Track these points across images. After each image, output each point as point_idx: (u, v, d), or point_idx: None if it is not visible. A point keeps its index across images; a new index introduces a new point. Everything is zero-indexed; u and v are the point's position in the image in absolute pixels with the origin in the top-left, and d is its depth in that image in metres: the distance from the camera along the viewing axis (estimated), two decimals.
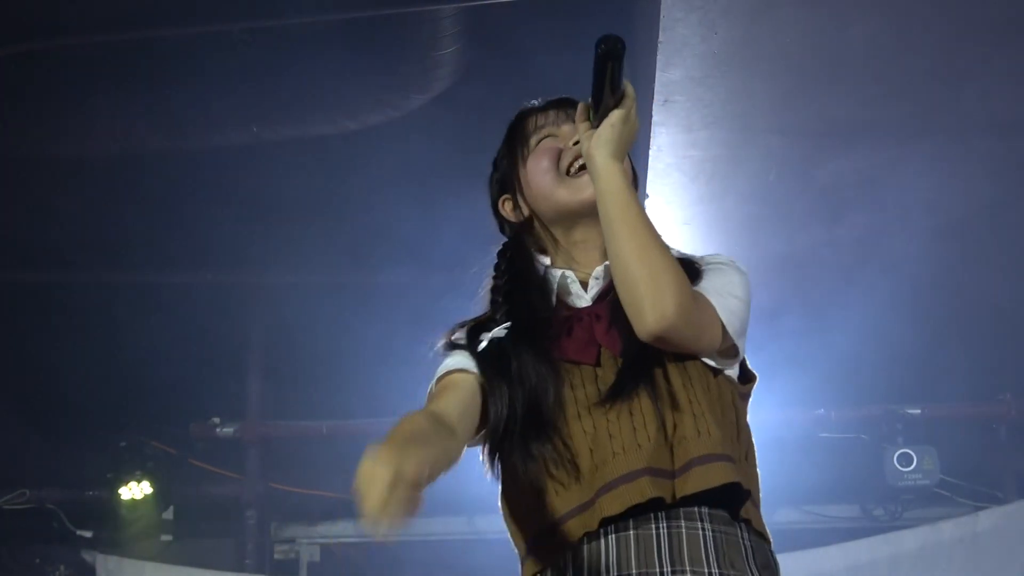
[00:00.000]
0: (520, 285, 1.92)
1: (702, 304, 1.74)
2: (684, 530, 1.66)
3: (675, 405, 1.70)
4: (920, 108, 4.27)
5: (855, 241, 4.94)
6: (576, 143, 1.86)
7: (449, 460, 1.64)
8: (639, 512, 1.65)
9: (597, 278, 1.88)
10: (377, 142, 4.88)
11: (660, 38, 3.78)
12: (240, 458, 6.40)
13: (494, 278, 1.99)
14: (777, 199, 4.64)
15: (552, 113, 1.95)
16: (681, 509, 1.66)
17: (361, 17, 4.38)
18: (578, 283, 1.89)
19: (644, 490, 1.65)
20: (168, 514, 6.37)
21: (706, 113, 4.16)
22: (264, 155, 4.95)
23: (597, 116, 1.78)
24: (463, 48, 4.52)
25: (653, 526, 1.66)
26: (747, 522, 1.70)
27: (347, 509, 6.63)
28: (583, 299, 1.88)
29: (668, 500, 1.65)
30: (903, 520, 6.13)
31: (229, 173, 5.05)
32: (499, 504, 1.84)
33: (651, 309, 1.67)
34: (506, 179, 1.99)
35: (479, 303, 2.00)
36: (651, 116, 4.11)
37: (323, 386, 5.93)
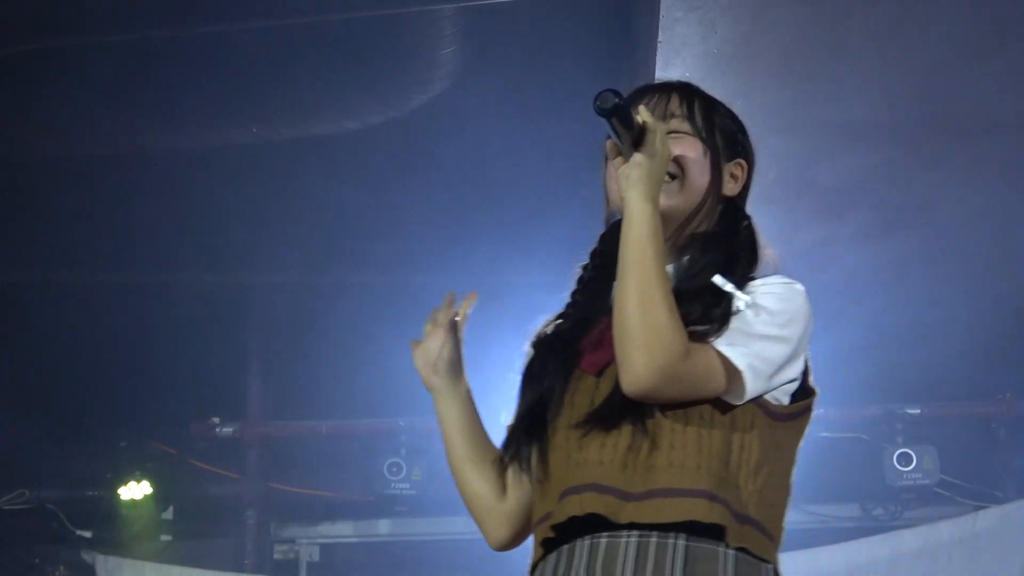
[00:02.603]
0: (601, 278, 1.88)
1: (700, 360, 1.68)
2: (653, 542, 1.64)
3: (654, 432, 1.68)
4: (921, 108, 4.27)
5: (855, 241, 4.94)
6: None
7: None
8: (592, 526, 1.65)
9: None
10: (377, 142, 4.88)
11: (660, 38, 3.78)
12: (240, 458, 6.40)
13: (583, 265, 1.95)
14: (777, 199, 4.63)
15: (645, 104, 1.86)
16: (655, 531, 1.64)
17: (361, 17, 4.38)
18: None
19: (585, 503, 1.65)
20: (168, 514, 6.37)
21: None
22: (264, 155, 4.95)
23: (627, 154, 1.75)
24: (463, 48, 4.52)
25: (624, 538, 1.65)
26: (740, 549, 1.66)
27: (347, 509, 6.64)
28: None
29: (612, 519, 1.64)
30: (903, 520, 6.13)
31: (229, 173, 5.05)
32: None
33: (629, 369, 1.64)
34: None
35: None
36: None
37: (323, 386, 5.93)
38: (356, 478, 6.44)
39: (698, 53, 3.89)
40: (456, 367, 1.96)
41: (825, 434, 6.03)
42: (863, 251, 5.02)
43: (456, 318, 1.98)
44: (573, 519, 1.66)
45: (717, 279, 1.78)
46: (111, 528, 6.22)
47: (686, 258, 1.83)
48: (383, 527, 6.61)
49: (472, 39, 4.50)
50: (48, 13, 4.31)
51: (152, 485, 6.14)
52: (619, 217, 1.81)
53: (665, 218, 1.77)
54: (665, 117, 1.87)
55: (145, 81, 4.60)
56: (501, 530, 1.90)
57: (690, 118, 1.90)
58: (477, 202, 4.99)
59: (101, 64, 4.52)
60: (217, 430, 6.29)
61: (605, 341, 1.74)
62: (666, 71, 3.94)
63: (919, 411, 6.06)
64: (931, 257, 5.00)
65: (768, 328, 1.75)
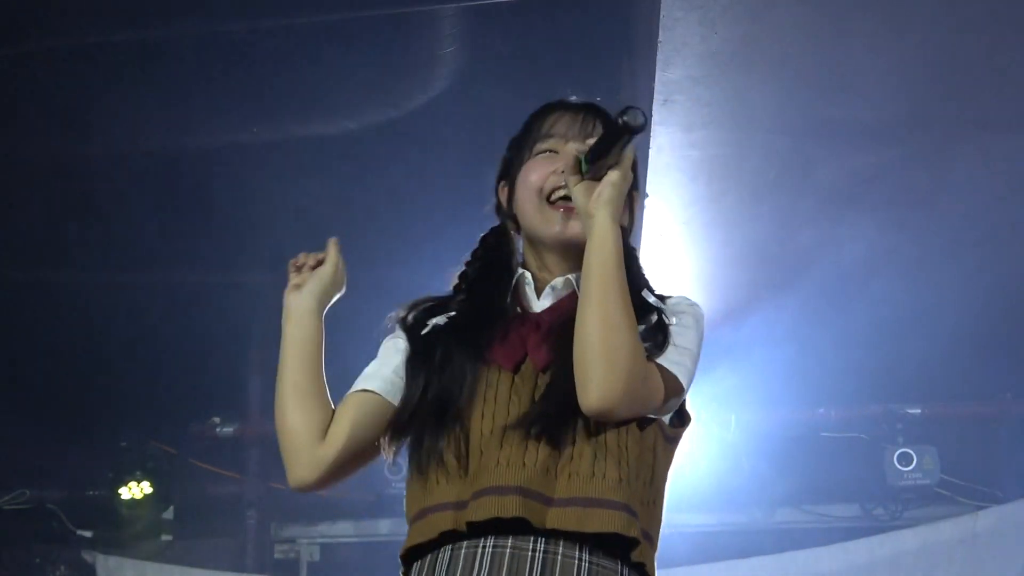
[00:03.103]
0: (488, 277, 1.94)
1: (651, 379, 1.73)
2: (560, 557, 1.66)
3: (578, 440, 1.71)
4: (920, 108, 4.27)
5: (855, 241, 4.94)
6: (562, 171, 1.85)
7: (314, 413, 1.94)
8: (508, 528, 1.66)
9: (554, 288, 1.89)
10: (377, 142, 4.88)
11: (660, 38, 3.78)
12: (240, 458, 6.40)
13: (467, 262, 2.02)
14: (777, 199, 4.64)
15: (567, 121, 1.93)
16: (562, 539, 1.66)
17: (361, 17, 4.38)
18: (533, 287, 1.91)
19: (509, 507, 1.66)
20: (168, 514, 6.36)
21: (706, 113, 4.16)
22: (264, 155, 4.95)
23: (591, 170, 1.76)
24: (463, 48, 4.52)
25: (530, 547, 1.66)
26: (638, 566, 1.70)
27: (347, 509, 6.64)
28: (534, 304, 1.90)
29: (536, 524, 1.65)
30: (903, 520, 6.13)
31: (229, 173, 5.05)
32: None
33: (596, 389, 1.66)
34: (508, 167, 2.01)
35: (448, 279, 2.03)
36: (651, 116, 4.11)
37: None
38: (356, 478, 6.38)
39: (698, 53, 3.89)
40: (322, 299, 2.05)
41: (825, 434, 6.03)
42: (863, 251, 5.02)
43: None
44: (496, 520, 1.66)
45: (647, 296, 1.84)
46: (111, 528, 6.22)
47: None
48: (383, 527, 6.61)
49: (472, 39, 4.50)
50: (48, 13, 4.31)
51: (152, 485, 6.14)
52: (503, 227, 1.98)
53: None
54: (587, 138, 1.89)
55: (145, 81, 4.60)
56: (308, 472, 1.92)
57: None
58: (477, 202, 4.98)
59: (101, 64, 4.52)
60: (217, 430, 6.29)
61: (511, 338, 1.80)
62: (666, 71, 3.94)
63: (919, 411, 6.05)
64: (931, 257, 4.99)
65: (692, 346, 1.82)
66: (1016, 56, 4.02)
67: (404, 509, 1.84)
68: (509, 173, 2.00)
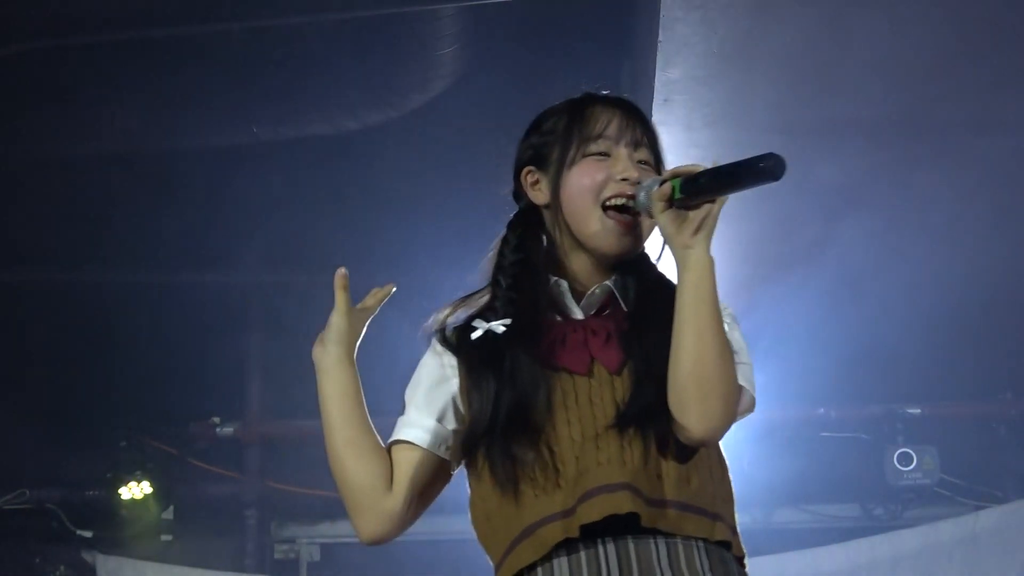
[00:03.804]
0: (528, 274, 1.89)
1: (739, 402, 1.78)
2: (680, 544, 1.69)
3: (664, 441, 1.73)
4: (920, 108, 4.27)
5: (855, 241, 4.94)
6: (624, 179, 1.84)
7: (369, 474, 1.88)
8: (618, 528, 1.67)
9: (595, 295, 1.87)
10: (377, 142, 4.88)
11: (660, 37, 3.77)
12: (240, 458, 6.40)
13: (500, 255, 1.95)
14: (777, 199, 4.63)
15: (618, 124, 1.89)
16: (679, 536, 1.69)
17: (361, 17, 4.38)
18: (570, 295, 1.88)
19: (623, 503, 1.66)
20: (168, 514, 6.36)
21: (706, 112, 4.16)
22: (264, 155, 4.95)
23: (683, 200, 1.73)
24: (463, 48, 4.52)
25: (651, 539, 1.68)
26: (740, 560, 1.77)
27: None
28: (575, 311, 1.87)
29: (644, 522, 1.67)
30: (903, 520, 6.13)
31: (229, 173, 5.05)
32: (469, 506, 1.84)
33: (698, 420, 1.70)
34: (543, 157, 1.93)
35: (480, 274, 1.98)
36: (651, 116, 4.10)
37: None
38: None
39: (698, 53, 3.89)
40: (352, 349, 1.97)
41: (825, 434, 6.03)
42: (863, 251, 5.02)
43: (374, 308, 2.03)
44: (611, 519, 1.66)
45: None
46: (111, 528, 6.22)
47: (631, 278, 1.88)
48: None
49: (472, 39, 4.50)
50: (48, 13, 4.31)
51: (152, 485, 6.13)
52: (526, 215, 1.92)
53: (634, 251, 1.86)
54: (636, 145, 1.88)
55: (145, 81, 4.60)
56: (380, 526, 1.88)
57: (652, 150, 1.91)
58: (477, 202, 4.98)
59: (101, 64, 4.52)
60: (217, 430, 6.29)
61: (570, 344, 1.79)
62: (666, 71, 3.94)
63: (919, 411, 6.06)
64: (931, 257, 4.99)
65: (746, 355, 1.85)
66: (1015, 56, 4.02)
67: (478, 529, 1.81)
68: (543, 162, 1.93)
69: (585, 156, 1.88)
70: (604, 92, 1.97)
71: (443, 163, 4.95)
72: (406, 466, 1.87)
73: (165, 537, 6.42)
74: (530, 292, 1.87)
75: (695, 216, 1.73)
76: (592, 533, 1.67)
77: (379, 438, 1.91)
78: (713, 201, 1.73)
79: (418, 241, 5.27)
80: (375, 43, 4.48)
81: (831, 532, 6.13)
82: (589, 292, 1.87)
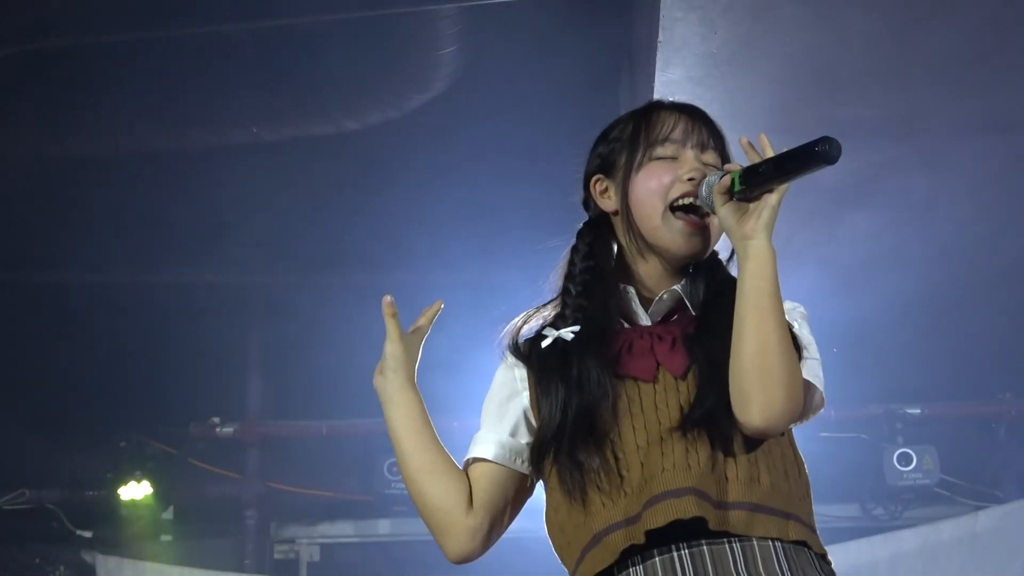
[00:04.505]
0: (597, 282, 1.89)
1: (803, 395, 1.76)
2: (756, 545, 1.68)
3: (732, 444, 1.72)
4: (920, 108, 4.27)
5: (855, 241, 4.94)
6: (690, 179, 1.84)
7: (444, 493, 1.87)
8: (687, 533, 1.66)
9: (663, 300, 1.87)
10: (377, 142, 4.88)
11: (660, 38, 3.77)
12: (240, 458, 6.40)
13: (571, 262, 1.94)
14: None
15: (683, 127, 1.90)
16: (754, 538, 1.68)
17: (361, 17, 4.38)
18: (637, 301, 1.88)
19: (689, 507, 1.66)
20: (168, 514, 6.37)
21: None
22: (264, 155, 4.95)
23: (743, 191, 1.74)
24: (463, 48, 4.52)
25: (725, 541, 1.67)
26: (820, 555, 1.74)
27: (347, 509, 6.64)
28: (642, 318, 1.87)
29: (712, 526, 1.66)
30: (903, 520, 6.13)
31: (229, 172, 5.05)
32: (544, 519, 1.84)
33: (759, 410, 1.69)
34: (611, 164, 1.93)
35: (548, 284, 1.97)
36: None
37: (323, 386, 5.93)
38: (356, 478, 6.43)
39: (698, 53, 3.89)
40: (411, 373, 1.95)
41: (825, 434, 6.03)
42: (863, 251, 5.02)
43: (427, 328, 1.99)
44: (677, 523, 1.66)
45: None
46: (111, 528, 6.22)
47: (700, 282, 1.87)
48: (383, 527, 6.61)
49: (472, 39, 4.50)
50: (48, 13, 4.31)
51: (152, 485, 6.13)
52: (597, 222, 1.92)
53: (704, 252, 1.86)
54: (703, 148, 1.90)
55: (145, 81, 4.61)
56: (465, 544, 1.89)
57: (720, 152, 1.92)
58: (477, 202, 4.99)
59: (101, 64, 4.52)
60: (217, 430, 6.29)
61: (637, 351, 1.79)
62: (666, 71, 3.94)
63: (919, 411, 6.06)
64: (931, 257, 4.99)
65: (815, 350, 1.84)
66: (1016, 56, 4.02)
67: (553, 540, 1.81)
68: (611, 169, 1.93)
69: (652, 160, 1.88)
70: (672, 100, 1.98)
71: (443, 163, 4.95)
72: (484, 482, 1.88)
73: (165, 537, 6.42)
74: (599, 299, 1.87)
75: (755, 207, 1.74)
76: (665, 539, 1.67)
77: (452, 458, 1.91)
78: (772, 191, 1.73)
79: (418, 241, 5.27)
80: (375, 43, 4.48)
81: (831, 532, 6.10)
82: (657, 298, 1.87)
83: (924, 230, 4.87)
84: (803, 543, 1.71)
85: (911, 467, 5.92)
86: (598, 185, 1.95)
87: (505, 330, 1.94)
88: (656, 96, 4.02)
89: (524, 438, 1.86)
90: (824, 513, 6.85)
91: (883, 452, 5.99)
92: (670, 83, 3.99)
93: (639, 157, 1.89)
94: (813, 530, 1.76)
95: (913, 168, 4.56)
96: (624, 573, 1.69)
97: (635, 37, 4.36)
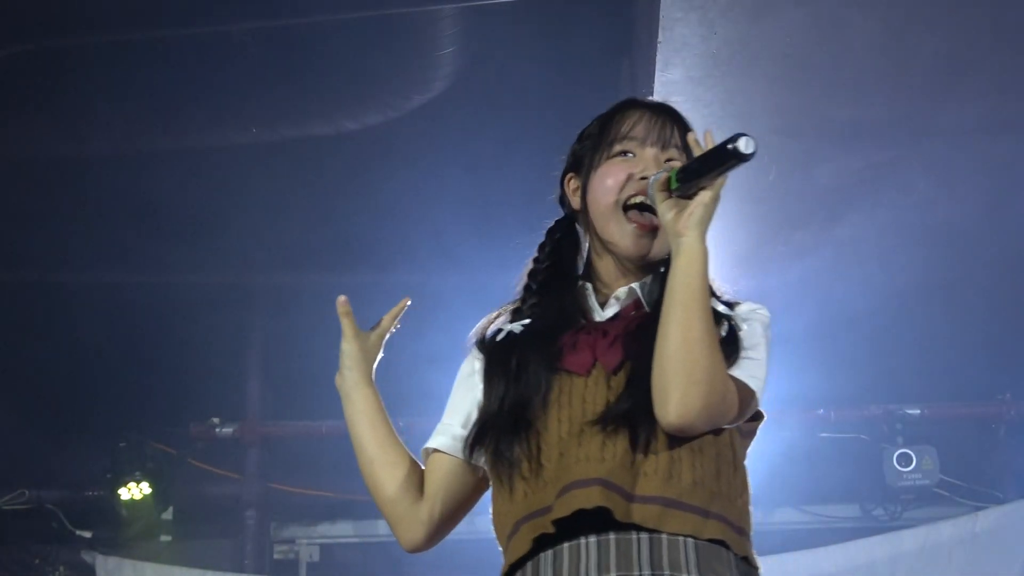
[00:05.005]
0: (556, 283, 1.93)
1: (729, 393, 1.74)
2: (665, 540, 1.67)
3: (654, 440, 1.72)
4: (920, 108, 4.27)
5: (855, 241, 4.94)
6: (643, 178, 1.85)
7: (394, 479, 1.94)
8: (596, 523, 1.67)
9: (618, 298, 1.89)
10: (377, 142, 4.88)
11: (660, 38, 3.77)
12: (240, 458, 6.39)
13: (535, 260, 1.98)
14: (777, 199, 4.64)
15: (646, 124, 1.91)
16: (664, 533, 1.67)
17: (361, 17, 4.38)
18: (594, 297, 1.91)
19: (594, 497, 1.66)
20: (168, 514, 6.36)
21: (706, 113, 4.16)
22: (264, 155, 4.95)
23: (681, 188, 1.75)
24: (463, 48, 4.52)
25: (634, 533, 1.67)
26: (742, 558, 1.73)
27: (347, 509, 6.64)
28: (598, 314, 1.89)
29: (618, 517, 1.66)
30: (903, 520, 6.13)
31: (229, 173, 5.05)
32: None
33: (676, 406, 1.68)
34: (580, 162, 1.96)
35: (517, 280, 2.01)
36: None
37: (323, 386, 5.90)
38: (356, 478, 6.37)
39: (698, 53, 3.89)
40: (368, 371, 2.04)
41: (825, 434, 6.03)
42: (862, 251, 5.02)
43: (394, 328, 2.07)
44: (580, 512, 1.67)
45: (716, 305, 1.83)
46: (111, 528, 6.22)
47: (659, 280, 1.87)
48: (383, 527, 6.58)
49: (472, 39, 4.50)
50: (48, 13, 4.31)
51: (152, 485, 6.13)
52: (568, 219, 1.95)
53: (651, 253, 1.87)
54: (665, 146, 1.90)
55: (145, 81, 4.60)
56: (416, 533, 1.95)
57: (684, 150, 1.91)
58: (476, 202, 4.99)
59: (101, 64, 4.52)
60: (217, 430, 6.28)
61: (580, 346, 1.80)
62: (666, 71, 3.94)
63: (919, 411, 6.05)
64: (931, 257, 4.99)
65: (763, 355, 1.82)
66: (1016, 57, 4.02)
67: (494, 527, 1.83)
68: (580, 167, 1.96)
69: (610, 158, 1.90)
70: (647, 99, 1.99)
71: (443, 163, 4.95)
72: (437, 473, 1.93)
73: (165, 537, 6.42)
74: (554, 297, 1.90)
75: (691, 204, 1.74)
76: (577, 529, 1.68)
77: (407, 451, 1.97)
78: (706, 188, 1.74)
79: (418, 241, 5.27)
80: (375, 43, 4.49)
81: (831, 533, 6.13)
82: (613, 295, 1.88)
83: (924, 230, 4.87)
84: (721, 542, 1.70)
85: (911, 467, 5.92)
86: (571, 183, 1.98)
87: (477, 325, 1.97)
88: (656, 96, 4.03)
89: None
90: (824, 513, 6.84)
91: (883, 452, 5.98)
92: (670, 83, 3.99)
93: (599, 155, 1.91)
94: (740, 532, 1.75)
95: (913, 168, 4.56)
96: (535, 560, 1.71)
97: (635, 37, 4.36)
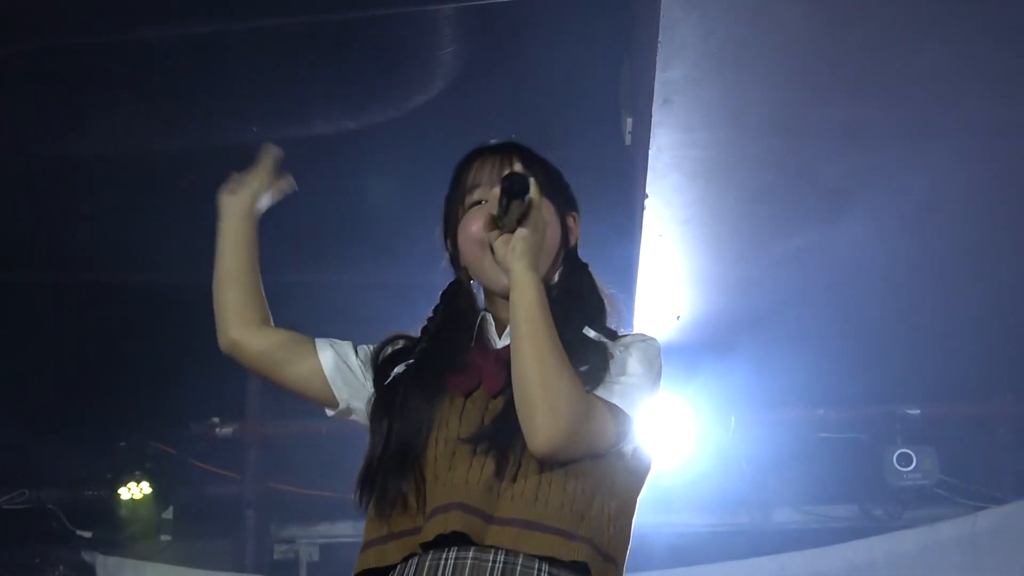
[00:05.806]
0: (450, 326, 1.98)
1: (596, 416, 1.77)
2: (520, 567, 1.70)
3: (525, 463, 1.75)
4: (920, 108, 4.27)
5: (855, 241, 4.94)
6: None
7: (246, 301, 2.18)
8: (467, 540, 1.71)
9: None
10: (377, 142, 4.88)
11: (660, 38, 3.77)
12: (239, 458, 6.40)
13: (429, 318, 2.04)
14: (777, 199, 4.63)
15: (488, 167, 1.98)
16: (522, 554, 1.70)
17: (361, 17, 4.38)
18: (494, 326, 1.96)
19: (451, 521, 1.71)
20: (168, 514, 6.36)
21: (706, 113, 4.15)
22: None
23: (504, 224, 1.83)
24: (463, 48, 4.52)
25: (491, 558, 1.71)
26: (586, 569, 1.73)
27: (347, 509, 6.62)
28: (496, 342, 1.95)
29: (475, 539, 1.70)
30: (903, 520, 6.13)
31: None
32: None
33: (540, 433, 1.72)
34: (447, 223, 2.07)
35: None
36: (651, 116, 4.10)
37: None
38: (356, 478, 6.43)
39: (698, 53, 3.89)
40: (254, 201, 2.29)
41: (825, 434, 6.03)
42: (863, 252, 5.02)
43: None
44: (439, 537, 1.71)
45: (588, 331, 1.88)
46: (111, 528, 6.22)
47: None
48: None
49: (472, 39, 4.50)
50: (48, 13, 4.31)
51: (152, 485, 6.13)
52: (459, 279, 2.03)
53: None
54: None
55: (145, 81, 4.60)
56: (235, 332, 2.25)
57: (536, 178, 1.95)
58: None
59: (101, 64, 4.52)
60: (217, 430, 6.29)
61: (469, 369, 1.86)
62: (666, 71, 3.94)
63: (919, 411, 6.05)
64: (930, 257, 4.99)
65: (636, 374, 1.84)
66: (1016, 58, 4.02)
67: (365, 528, 1.87)
68: (449, 227, 2.07)
69: (467, 209, 1.99)
70: (490, 142, 2.06)
71: (443, 164, 4.94)
72: (299, 343, 2.14)
73: (165, 537, 6.41)
74: (444, 334, 1.97)
75: (513, 239, 1.82)
76: (444, 545, 1.73)
77: (262, 291, 2.22)
78: (522, 222, 1.81)
79: (419, 241, 5.26)
80: (375, 43, 4.48)
81: (830, 533, 6.13)
82: (509, 325, 1.90)
83: (923, 231, 4.87)
84: (584, 566, 1.72)
85: (911, 467, 5.92)
86: (449, 244, 2.09)
87: (385, 339, 2.04)
88: (656, 96, 4.04)
89: (346, 384, 2.02)
90: (823, 513, 6.85)
91: (882, 452, 5.98)
92: (670, 83, 3.99)
93: (458, 209, 2.01)
94: (607, 558, 1.76)
95: (913, 168, 4.55)
96: (394, 570, 1.76)
97: (635, 37, 4.36)
